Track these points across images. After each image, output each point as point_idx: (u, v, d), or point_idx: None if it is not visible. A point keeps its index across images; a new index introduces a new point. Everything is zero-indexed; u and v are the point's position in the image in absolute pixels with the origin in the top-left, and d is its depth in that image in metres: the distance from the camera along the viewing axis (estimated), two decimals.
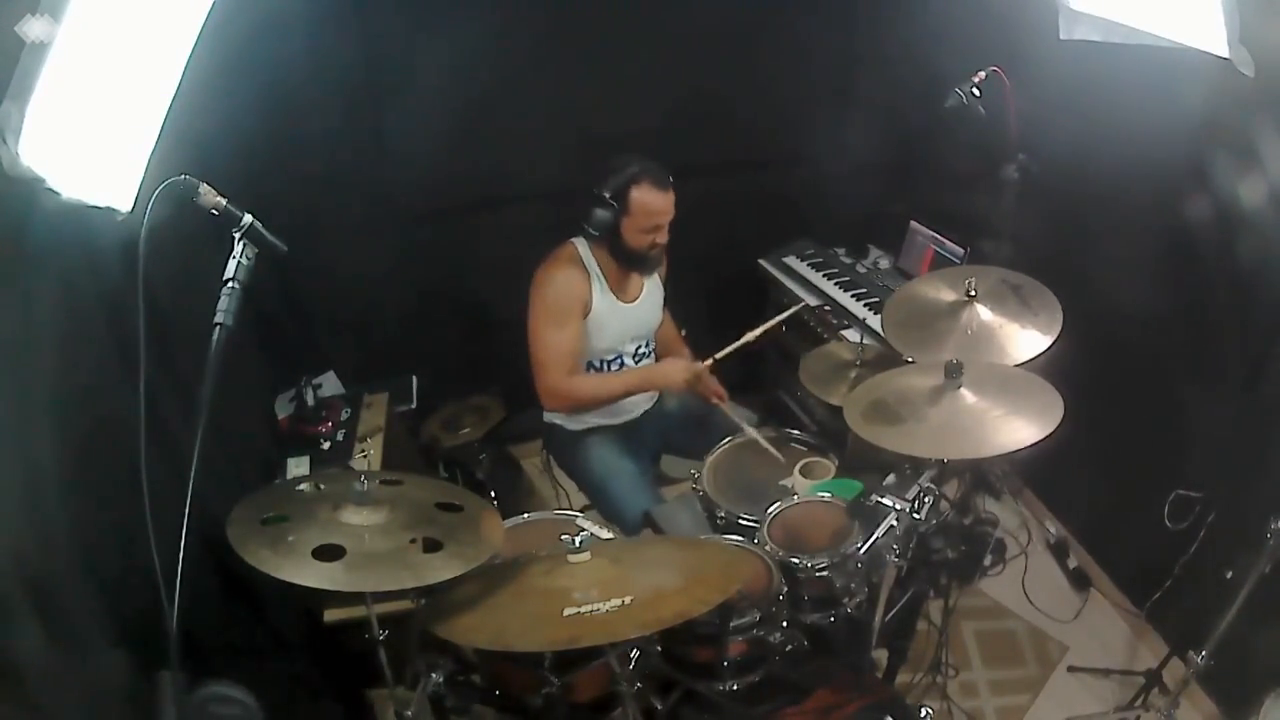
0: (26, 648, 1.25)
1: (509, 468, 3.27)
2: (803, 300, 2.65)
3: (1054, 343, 2.07)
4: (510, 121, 2.93)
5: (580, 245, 2.41)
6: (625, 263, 2.40)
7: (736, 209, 3.28)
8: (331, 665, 2.38)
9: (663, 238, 2.34)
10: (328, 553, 1.44)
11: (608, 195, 2.25)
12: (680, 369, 2.43)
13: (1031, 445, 1.71)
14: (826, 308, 3.09)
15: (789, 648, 1.86)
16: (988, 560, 2.91)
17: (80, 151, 1.24)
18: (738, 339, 2.43)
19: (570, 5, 2.84)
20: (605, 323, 2.42)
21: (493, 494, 2.95)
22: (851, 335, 2.81)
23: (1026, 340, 2.09)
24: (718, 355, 2.43)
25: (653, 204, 2.26)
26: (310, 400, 2.80)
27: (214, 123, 1.87)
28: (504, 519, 1.78)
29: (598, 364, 2.50)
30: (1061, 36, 2.02)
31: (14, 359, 1.37)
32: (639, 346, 2.56)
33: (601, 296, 2.40)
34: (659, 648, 1.80)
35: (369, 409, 2.82)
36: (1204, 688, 2.41)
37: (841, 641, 1.97)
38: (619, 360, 2.52)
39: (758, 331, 2.44)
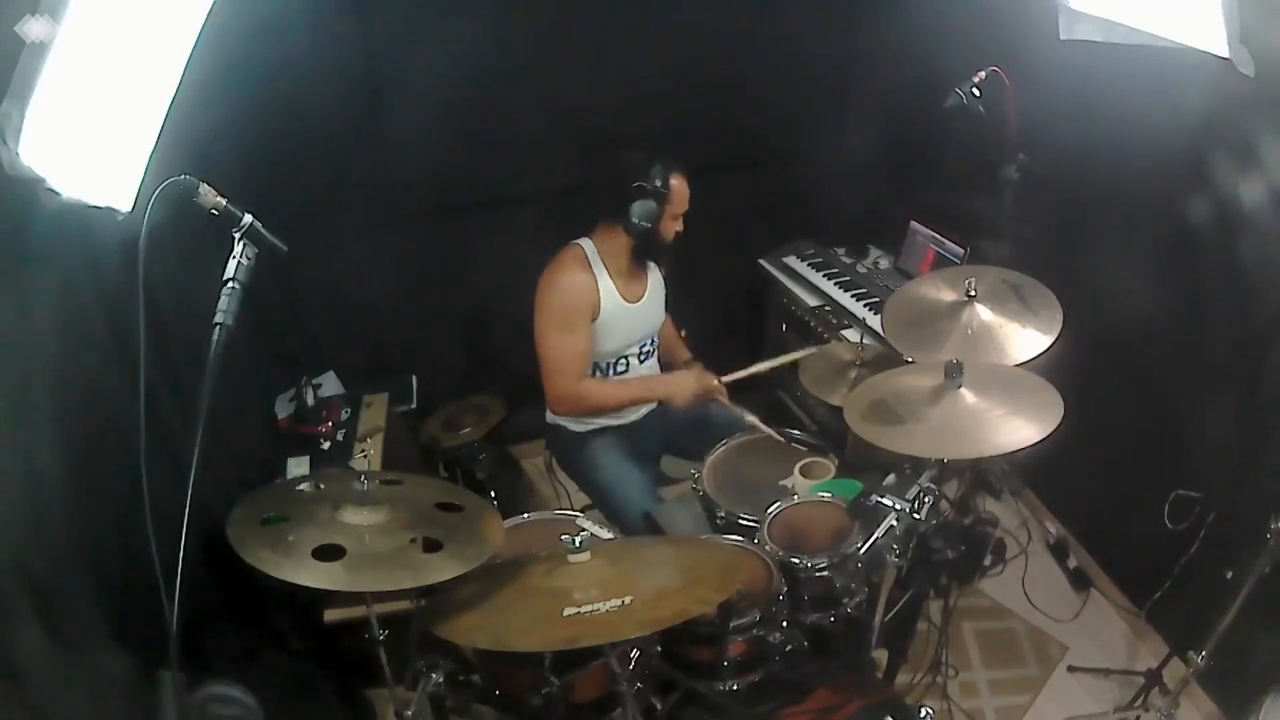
0: (26, 647, 1.26)
1: (509, 468, 3.26)
2: (814, 347, 2.68)
3: (1054, 343, 2.07)
4: (510, 122, 2.93)
5: (587, 247, 2.39)
6: (651, 253, 2.41)
7: (736, 209, 3.27)
8: (331, 665, 2.38)
9: (681, 226, 2.36)
10: (328, 553, 1.44)
11: (658, 184, 2.24)
12: (692, 381, 2.43)
13: (1031, 445, 1.71)
14: (826, 308, 3.09)
15: (789, 648, 1.86)
16: (988, 560, 2.91)
17: (80, 151, 1.25)
18: (747, 364, 2.51)
19: (570, 5, 2.84)
20: (613, 325, 2.41)
21: (493, 494, 2.95)
22: (851, 335, 2.81)
23: (1026, 340, 2.09)
24: (725, 378, 2.45)
25: (684, 191, 2.31)
26: (310, 400, 2.79)
27: (214, 123, 1.87)
28: (504, 519, 1.78)
29: (603, 366, 2.49)
30: (1061, 36, 2.03)
31: (14, 359, 1.37)
32: (644, 346, 2.55)
33: (609, 298, 2.38)
34: (659, 648, 1.80)
35: (369, 409, 2.81)
36: (1204, 688, 2.40)
37: (841, 641, 1.97)
38: (624, 361, 2.51)
39: (769, 365, 2.51)
